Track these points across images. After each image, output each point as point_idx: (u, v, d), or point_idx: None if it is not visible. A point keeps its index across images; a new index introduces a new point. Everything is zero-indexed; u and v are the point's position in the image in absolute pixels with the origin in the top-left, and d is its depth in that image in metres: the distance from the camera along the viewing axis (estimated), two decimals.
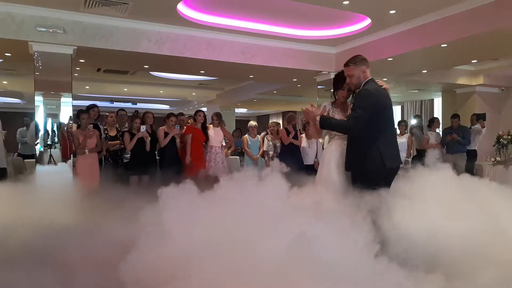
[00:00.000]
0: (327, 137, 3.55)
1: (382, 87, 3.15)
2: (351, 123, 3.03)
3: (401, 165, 3.23)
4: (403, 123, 8.08)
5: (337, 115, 3.36)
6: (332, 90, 3.55)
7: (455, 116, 7.73)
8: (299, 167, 5.89)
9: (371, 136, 3.01)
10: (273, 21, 6.73)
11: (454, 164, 7.34)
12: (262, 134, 7.67)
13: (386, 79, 7.59)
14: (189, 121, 7.01)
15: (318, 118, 3.17)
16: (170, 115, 6.23)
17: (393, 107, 3.40)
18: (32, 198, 3.17)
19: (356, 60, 3.16)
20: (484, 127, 7.89)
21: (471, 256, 2.32)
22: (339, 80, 3.43)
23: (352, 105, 3.19)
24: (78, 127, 5.75)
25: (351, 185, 3.02)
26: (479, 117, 8.02)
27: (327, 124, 3.17)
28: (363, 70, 3.13)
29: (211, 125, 6.62)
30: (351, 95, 3.40)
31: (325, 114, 3.37)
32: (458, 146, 7.42)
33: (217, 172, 6.10)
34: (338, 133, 3.30)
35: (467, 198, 2.88)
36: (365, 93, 3.07)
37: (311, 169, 6.70)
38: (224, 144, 6.88)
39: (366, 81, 3.12)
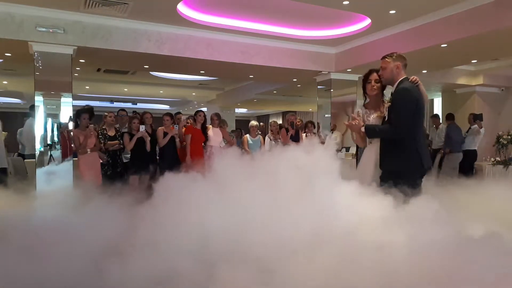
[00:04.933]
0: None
1: (416, 84, 3.11)
2: (397, 127, 3.01)
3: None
4: None
5: (372, 118, 3.29)
6: (362, 91, 3.43)
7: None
8: None
9: (411, 137, 3.00)
10: (273, 21, 6.73)
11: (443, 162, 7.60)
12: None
13: None
14: (189, 120, 7.01)
15: (363, 129, 3.16)
16: (166, 115, 6.25)
17: None
18: None
19: (393, 54, 3.14)
20: (481, 127, 7.89)
21: None
22: (367, 76, 3.37)
23: (389, 104, 3.13)
24: (76, 127, 5.75)
25: (380, 184, 2.98)
26: (476, 117, 8.03)
27: (373, 133, 3.18)
28: (397, 65, 3.09)
29: (210, 126, 6.62)
30: (382, 92, 3.34)
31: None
32: (451, 147, 7.66)
33: None
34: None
35: None
36: (405, 93, 3.02)
37: None
38: (223, 145, 6.89)
39: (401, 79, 3.09)
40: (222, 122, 7.02)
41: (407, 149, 2.99)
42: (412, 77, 3.12)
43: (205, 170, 2.91)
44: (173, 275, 2.01)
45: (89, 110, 6.09)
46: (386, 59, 3.13)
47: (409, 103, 2.99)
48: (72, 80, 6.22)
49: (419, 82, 3.12)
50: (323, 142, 3.28)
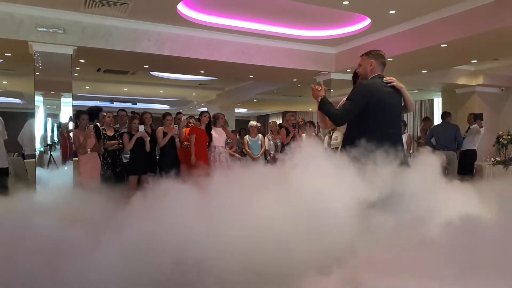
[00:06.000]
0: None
1: (390, 84, 3.01)
2: (338, 112, 2.99)
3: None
4: (402, 122, 8.10)
5: None
6: (353, 85, 3.40)
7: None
8: None
9: (361, 133, 2.86)
10: (273, 21, 6.74)
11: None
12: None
13: None
14: (191, 120, 7.03)
15: (319, 99, 3.08)
16: (166, 114, 6.25)
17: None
18: None
19: (369, 52, 3.12)
20: (481, 127, 7.87)
21: None
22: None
23: None
24: (76, 127, 5.76)
25: None
26: (477, 117, 8.00)
27: (323, 108, 3.08)
28: (371, 63, 3.06)
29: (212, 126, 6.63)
30: None
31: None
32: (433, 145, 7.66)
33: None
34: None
35: None
36: (358, 85, 3.05)
37: None
38: (228, 143, 6.91)
39: (373, 76, 3.06)
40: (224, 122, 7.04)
41: (354, 145, 2.80)
42: (387, 77, 3.05)
43: (209, 170, 2.86)
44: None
45: (92, 110, 6.09)
46: (363, 56, 3.13)
47: (357, 95, 2.96)
48: (72, 80, 6.22)
49: (395, 83, 3.02)
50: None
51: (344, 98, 3.40)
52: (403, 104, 3.11)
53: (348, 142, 2.95)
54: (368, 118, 2.94)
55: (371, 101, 2.93)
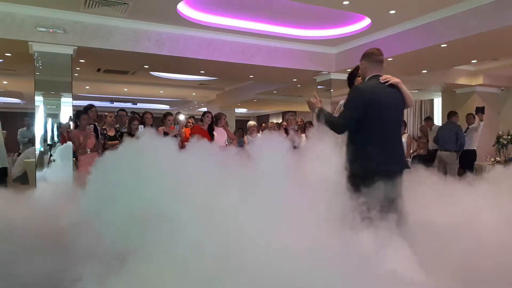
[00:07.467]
0: None
1: (387, 83, 2.93)
2: (339, 121, 2.94)
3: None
4: (401, 122, 8.09)
5: None
6: (349, 87, 3.40)
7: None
8: None
9: (362, 137, 2.87)
10: (273, 21, 6.74)
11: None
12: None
13: None
14: (190, 120, 7.04)
15: (317, 110, 3.03)
16: (167, 114, 6.24)
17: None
18: None
19: (363, 54, 3.08)
20: (482, 120, 7.76)
21: None
22: (353, 71, 3.36)
23: None
24: (76, 127, 5.75)
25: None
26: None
27: (321, 118, 2.99)
28: (362, 63, 3.04)
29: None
30: None
31: (339, 113, 3.25)
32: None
33: None
34: None
35: None
36: (353, 92, 3.01)
37: None
38: (227, 144, 6.91)
39: (369, 77, 3.00)
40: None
41: (357, 150, 2.84)
42: (382, 76, 2.97)
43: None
44: None
45: (86, 110, 6.08)
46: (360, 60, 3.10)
47: (354, 101, 2.92)
48: (72, 80, 6.22)
49: (392, 81, 2.94)
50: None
51: (342, 101, 3.39)
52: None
53: (350, 146, 2.90)
54: (366, 121, 2.86)
55: (368, 104, 2.86)
